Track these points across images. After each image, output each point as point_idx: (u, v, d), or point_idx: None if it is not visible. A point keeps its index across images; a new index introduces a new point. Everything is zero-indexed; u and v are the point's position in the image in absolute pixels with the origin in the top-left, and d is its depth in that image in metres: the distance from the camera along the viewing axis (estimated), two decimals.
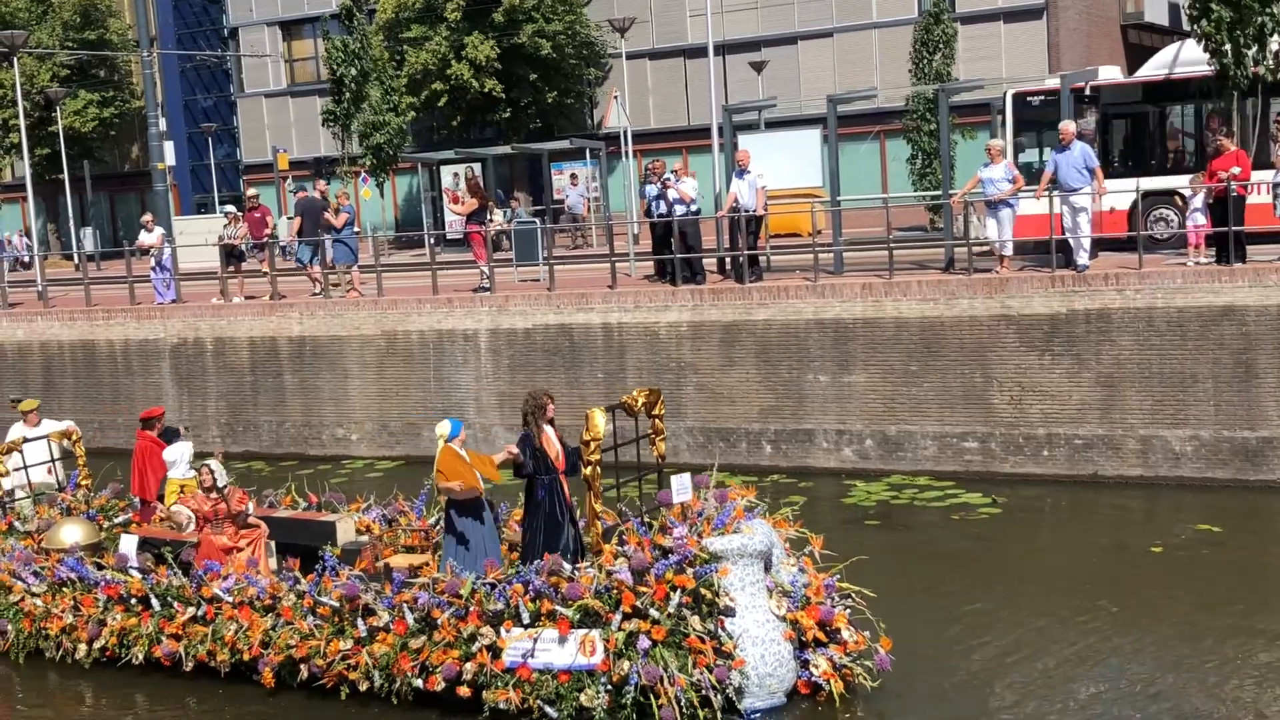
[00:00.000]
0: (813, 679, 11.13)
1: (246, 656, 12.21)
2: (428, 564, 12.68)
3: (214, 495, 13.39)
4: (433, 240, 27.62)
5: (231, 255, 26.24)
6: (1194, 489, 17.63)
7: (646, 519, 11.87)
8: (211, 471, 13.44)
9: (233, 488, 13.57)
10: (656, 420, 12.42)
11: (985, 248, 20.60)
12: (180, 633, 12.60)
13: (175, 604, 12.71)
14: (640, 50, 43.58)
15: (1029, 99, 25.38)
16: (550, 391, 12.79)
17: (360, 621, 11.70)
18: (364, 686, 11.58)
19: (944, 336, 19.28)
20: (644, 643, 10.65)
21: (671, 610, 10.73)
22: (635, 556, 10.98)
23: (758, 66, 41.52)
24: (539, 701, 10.90)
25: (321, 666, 11.78)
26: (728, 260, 22.25)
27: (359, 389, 23.41)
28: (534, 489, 12.09)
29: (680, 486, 11.63)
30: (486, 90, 41.31)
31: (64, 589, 13.45)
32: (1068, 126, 19.63)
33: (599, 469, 11.60)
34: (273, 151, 49.83)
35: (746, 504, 11.67)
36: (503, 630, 11.13)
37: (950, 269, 20.57)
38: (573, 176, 36.30)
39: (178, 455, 15.13)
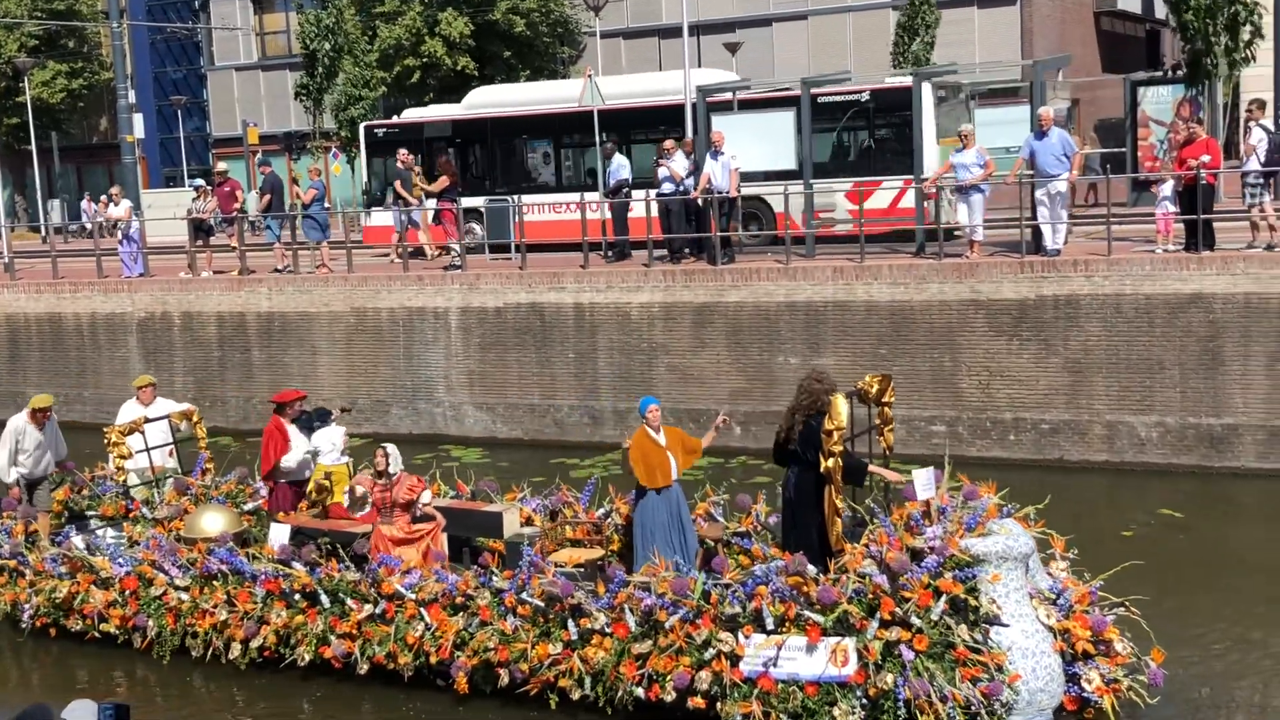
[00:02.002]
0: (1082, 695, 10.14)
1: (434, 660, 11.26)
2: (601, 559, 11.99)
3: (380, 482, 12.30)
4: (403, 217, 27.45)
5: (200, 229, 26.08)
6: (1159, 475, 17.77)
7: (877, 516, 11.03)
8: (387, 455, 12.29)
9: (404, 474, 12.38)
10: (885, 408, 11.67)
11: (957, 232, 20.66)
12: (354, 632, 11.60)
13: (349, 600, 11.70)
14: (614, 29, 43.46)
15: (376, 130, 30.31)
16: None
17: (571, 623, 10.77)
18: (576, 695, 10.60)
19: (913, 320, 19.35)
20: (907, 654, 9.68)
21: (935, 618, 9.78)
22: (897, 559, 9.99)
23: (732, 47, 41.45)
24: (782, 715, 9.90)
25: (525, 672, 10.83)
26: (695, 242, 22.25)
27: (328, 366, 23.32)
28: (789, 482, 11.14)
29: (924, 481, 10.74)
30: (460, 68, 41.12)
31: (213, 582, 12.42)
32: (1047, 112, 19.72)
33: (841, 461, 10.67)
34: (243, 125, 49.52)
35: (997, 502, 10.80)
36: (740, 636, 10.16)
37: (921, 253, 20.64)
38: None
39: (327, 441, 13.67)
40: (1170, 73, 27.00)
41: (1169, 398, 18.03)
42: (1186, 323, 17.89)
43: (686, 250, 22.23)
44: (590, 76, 32.55)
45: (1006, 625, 9.89)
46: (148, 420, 14.85)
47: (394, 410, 22.23)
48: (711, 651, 10.14)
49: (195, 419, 15.36)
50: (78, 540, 13.44)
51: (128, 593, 12.72)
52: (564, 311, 21.55)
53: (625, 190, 23.66)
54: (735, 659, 10.06)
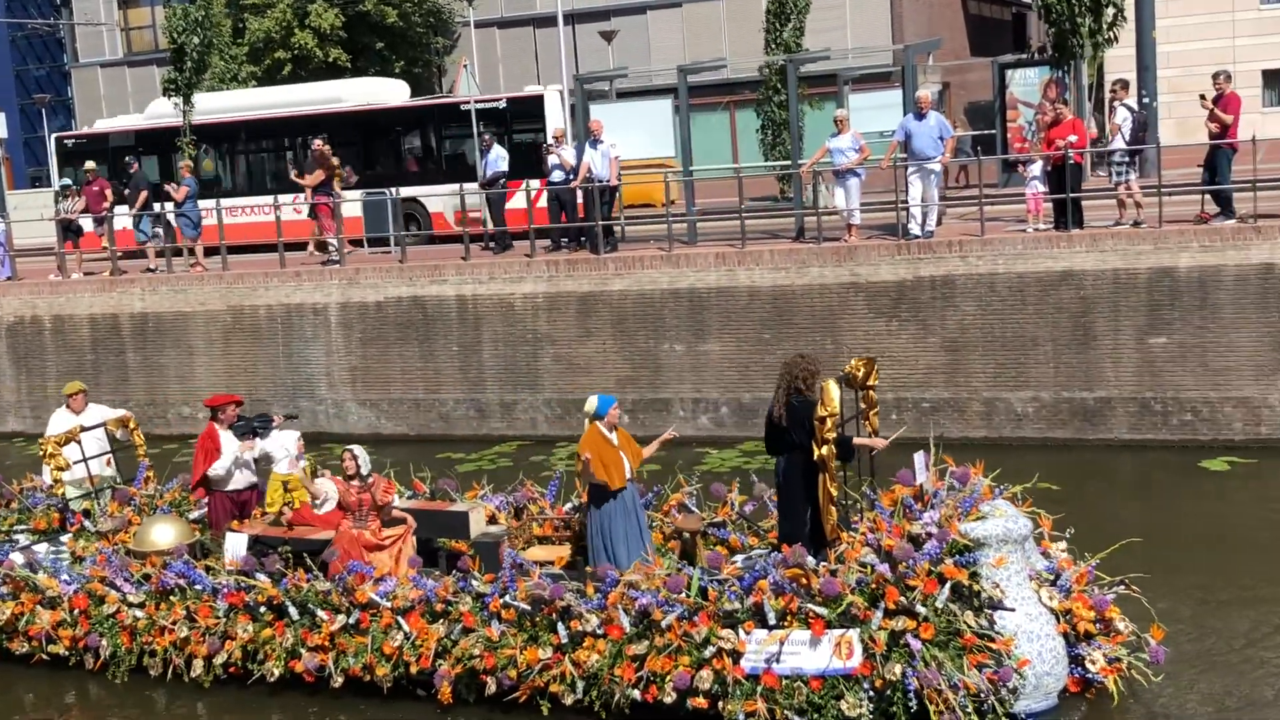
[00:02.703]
0: (1086, 675, 10.11)
1: (414, 669, 10.87)
2: (564, 558, 11.76)
3: (356, 484, 11.81)
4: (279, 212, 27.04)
5: (69, 230, 25.42)
6: (1036, 449, 18.17)
7: (870, 500, 10.93)
8: (355, 457, 11.90)
9: (378, 476, 12.04)
10: (870, 392, 11.42)
11: (834, 216, 20.91)
12: (327, 644, 11.17)
13: (319, 612, 11.26)
14: (489, 19, 43.20)
15: (66, 142, 32.47)
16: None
17: (561, 626, 10.44)
18: (569, 700, 10.30)
19: (795, 304, 19.56)
20: (914, 643, 9.50)
21: (940, 605, 9.59)
22: (900, 546, 9.81)
23: (607, 36, 41.45)
24: (788, 712, 9.67)
25: (513, 678, 10.48)
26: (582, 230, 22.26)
27: (205, 366, 22.91)
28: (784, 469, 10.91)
29: (920, 465, 10.60)
30: (331, 60, 40.57)
31: (170, 598, 11.88)
32: (925, 95, 20.05)
33: (834, 448, 10.39)
34: None
35: (989, 483, 10.65)
36: (741, 632, 9.92)
37: (800, 238, 20.85)
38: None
39: (279, 448, 13.16)
40: (1036, 55, 27.56)
41: (1043, 373, 18.45)
42: (1058, 299, 18.32)
43: (565, 240, 22.28)
44: (465, 66, 32.36)
45: (1012, 609, 9.73)
46: (84, 429, 14.22)
47: (275, 409, 21.86)
48: (711, 649, 9.89)
49: (132, 425, 14.76)
50: (17, 558, 12.80)
51: (77, 612, 12.13)
52: (446, 304, 21.40)
53: (502, 182, 23.58)
54: (736, 656, 9.83)
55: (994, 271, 18.61)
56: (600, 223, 21.17)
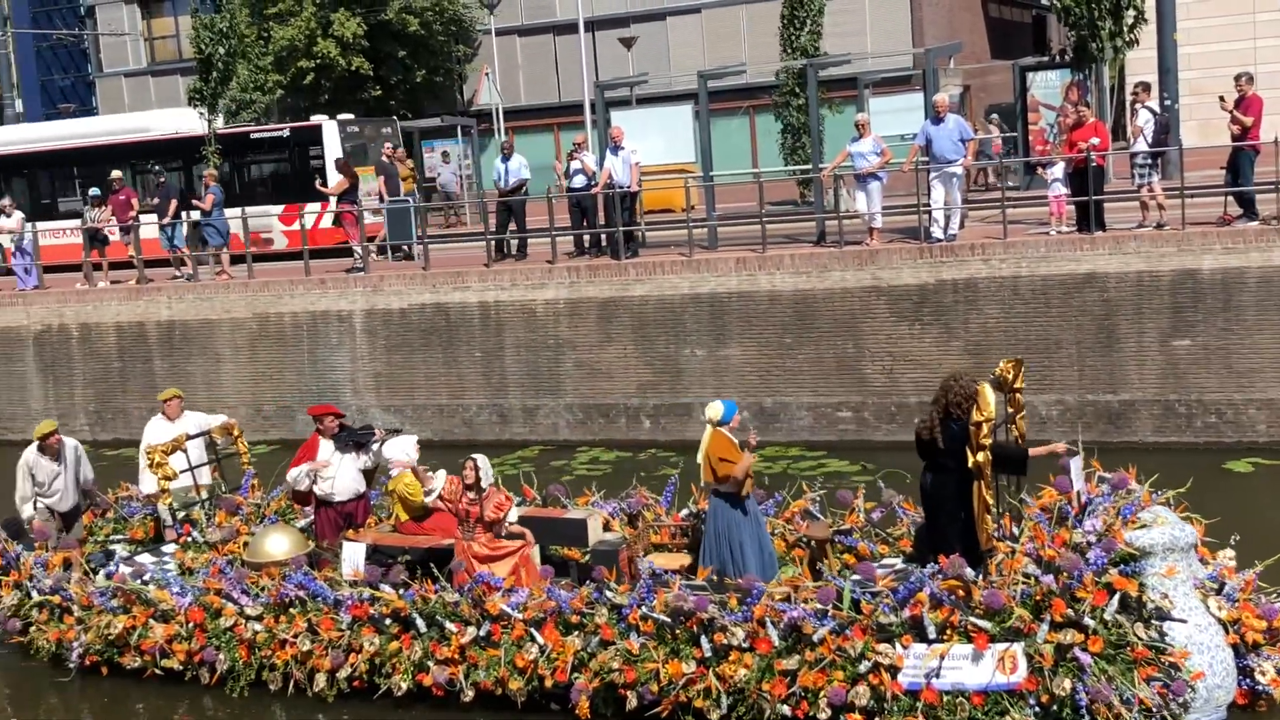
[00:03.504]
0: (1255, 687, 9.80)
1: (549, 683, 10.56)
2: (685, 566, 11.46)
3: (469, 494, 11.52)
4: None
5: (95, 239, 25.63)
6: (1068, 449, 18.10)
7: (1018, 509, 10.60)
8: (477, 467, 11.52)
9: (493, 490, 11.64)
10: (1017, 395, 11.03)
11: (855, 220, 20.93)
12: (456, 657, 10.88)
13: (448, 624, 10.92)
14: (509, 26, 43.30)
15: None
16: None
17: (704, 639, 10.08)
18: (714, 715, 9.98)
19: (817, 309, 19.58)
20: (1084, 657, 9.18)
21: (1108, 618, 9.27)
22: (1068, 557, 9.47)
23: (627, 43, 41.53)
24: None
25: (654, 693, 10.13)
26: (604, 236, 22.34)
27: (231, 373, 23.06)
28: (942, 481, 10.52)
29: (1075, 471, 10.29)
30: (354, 68, 40.75)
31: (289, 610, 11.57)
32: (942, 99, 20.07)
33: (990, 455, 9.95)
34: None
35: (1148, 489, 10.38)
36: (898, 646, 9.59)
37: (821, 242, 20.88)
38: (444, 154, 35.98)
39: (400, 453, 12.94)
40: (1057, 57, 27.52)
41: (1067, 376, 18.44)
42: (1082, 302, 18.30)
43: (587, 245, 22.39)
44: (487, 74, 32.48)
45: (1183, 620, 9.39)
46: (189, 436, 13.93)
47: (300, 416, 21.99)
48: (867, 664, 9.58)
49: (236, 433, 14.51)
50: (126, 570, 12.61)
51: (192, 625, 11.86)
52: (469, 311, 21.50)
53: (525, 190, 23.68)
54: (894, 671, 9.51)
55: (1017, 274, 18.60)
56: (621, 228, 21.24)
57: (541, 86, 44.47)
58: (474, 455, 11.74)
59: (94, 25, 54.23)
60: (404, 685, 10.97)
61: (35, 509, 13.69)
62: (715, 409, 11.22)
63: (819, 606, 9.86)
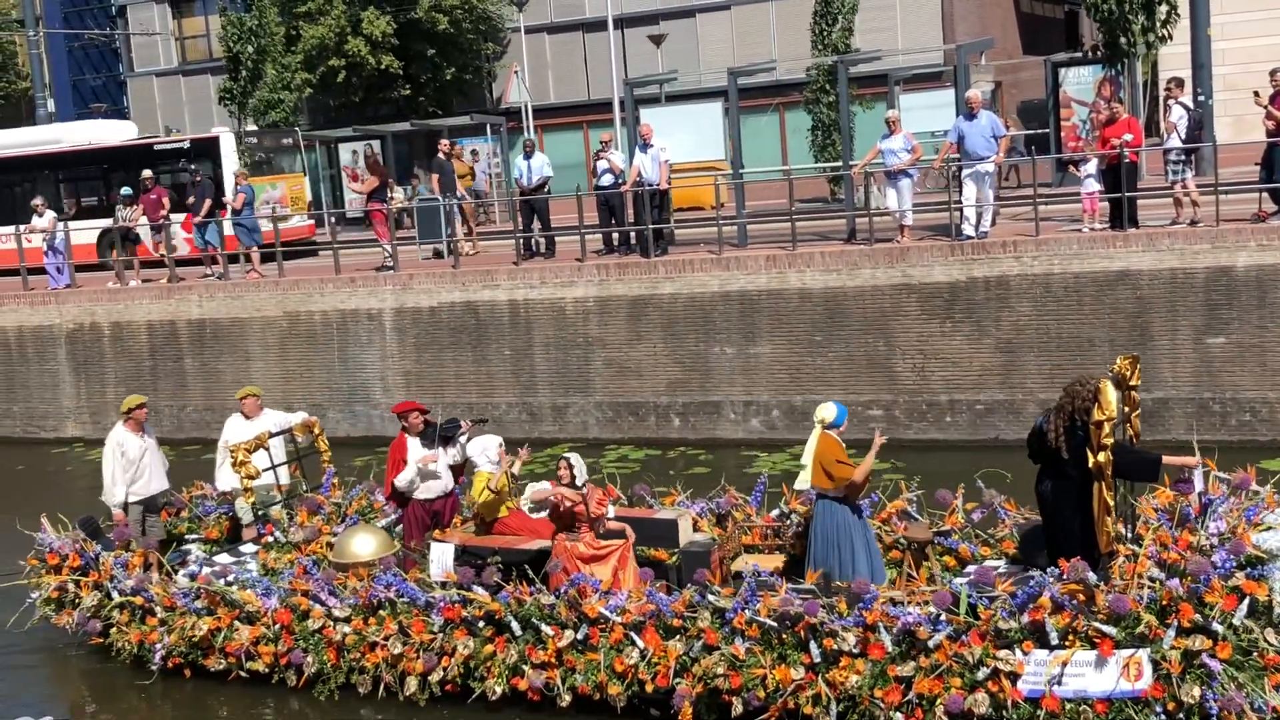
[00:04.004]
0: None
1: (650, 688, 10.31)
2: (778, 568, 11.27)
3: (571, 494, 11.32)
4: (333, 219, 27.32)
5: (127, 238, 25.76)
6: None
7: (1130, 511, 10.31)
8: (571, 466, 11.38)
9: (592, 486, 11.50)
10: (1133, 393, 10.67)
11: (886, 217, 20.84)
12: (553, 660, 10.68)
13: (544, 627, 10.72)
14: (538, 24, 43.34)
15: None
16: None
17: (813, 644, 9.85)
18: None
19: (847, 306, 19.50)
20: (1213, 664, 8.92)
21: (1237, 623, 8.99)
22: (1196, 561, 9.21)
23: (656, 40, 41.50)
24: None
25: (762, 699, 9.87)
26: (633, 234, 22.32)
27: (262, 371, 23.13)
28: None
29: (1197, 472, 10.12)
30: (384, 67, 40.86)
31: (379, 612, 11.40)
32: (975, 95, 19.95)
33: (1111, 455, 9.65)
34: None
35: (1271, 490, 10.13)
36: (1019, 652, 9.32)
37: (852, 239, 20.79)
38: (473, 153, 36.03)
39: (479, 453, 12.69)
40: (1090, 53, 27.33)
41: (1100, 374, 18.24)
42: (1115, 300, 18.16)
43: (616, 243, 22.39)
44: (517, 72, 32.48)
45: None
46: (272, 435, 13.79)
47: (331, 414, 22.08)
48: (986, 671, 9.30)
49: (317, 430, 14.27)
50: (209, 570, 12.49)
51: (279, 627, 11.68)
52: (499, 309, 21.51)
53: (548, 188, 23.67)
54: (1014, 678, 9.25)
55: (1049, 272, 18.47)
56: (651, 226, 21.21)
57: (571, 84, 44.49)
58: (567, 454, 11.59)
59: (125, 25, 54.54)
60: (498, 689, 10.78)
61: (128, 495, 13.47)
62: (827, 411, 10.98)
63: (933, 611, 9.61)
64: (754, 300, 20.04)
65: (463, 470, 13.13)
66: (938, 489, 12.10)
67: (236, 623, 11.88)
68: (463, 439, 12.82)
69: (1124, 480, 10.39)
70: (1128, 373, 10.40)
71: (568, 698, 10.57)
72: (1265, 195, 18.62)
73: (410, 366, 22.13)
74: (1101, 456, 9.60)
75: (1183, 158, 18.85)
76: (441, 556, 11.62)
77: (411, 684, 11.09)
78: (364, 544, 12.05)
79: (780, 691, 9.80)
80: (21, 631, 13.39)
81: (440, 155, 25.43)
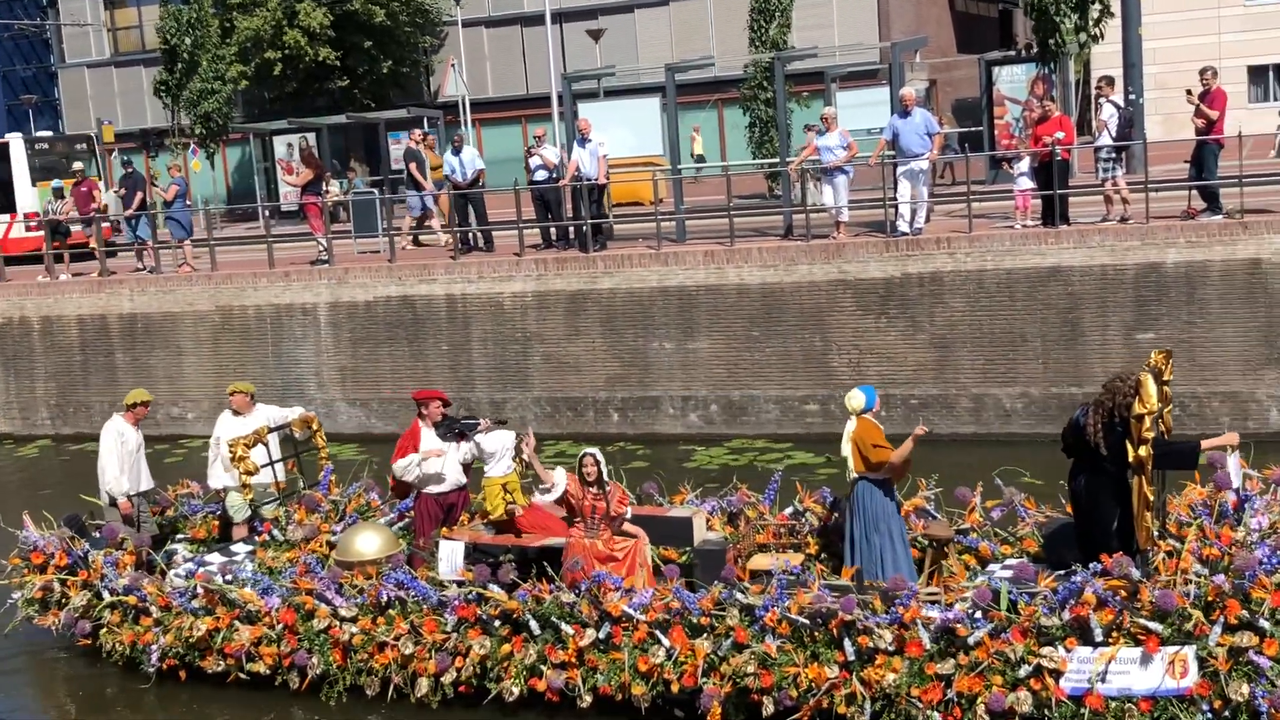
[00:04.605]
0: None
1: (675, 688, 10.05)
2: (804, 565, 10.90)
3: (592, 490, 11.05)
4: (267, 212, 27.07)
5: (57, 231, 25.39)
6: (1025, 444, 18.21)
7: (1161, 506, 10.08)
8: (597, 461, 11.09)
9: (615, 485, 11.25)
10: (1165, 388, 10.42)
11: (823, 214, 20.95)
12: (573, 660, 10.39)
13: (564, 626, 10.43)
14: (476, 18, 43.18)
15: None
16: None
17: (847, 641, 9.62)
18: None
19: (784, 302, 19.59)
20: (1262, 661, 8.76)
21: None
22: (1244, 557, 9.06)
23: (595, 35, 41.49)
24: None
25: (794, 698, 9.64)
26: (571, 229, 22.29)
27: (194, 366, 22.89)
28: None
29: (1234, 467, 9.98)
30: (321, 59, 40.54)
31: (389, 611, 11.05)
32: (909, 93, 20.10)
33: (1152, 449, 9.44)
34: (97, 124, 48.21)
35: None
36: (1062, 649, 9.16)
37: (789, 235, 20.89)
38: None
39: (499, 448, 12.19)
40: (1023, 52, 27.63)
41: (1032, 369, 18.51)
42: (1046, 296, 18.37)
43: (554, 238, 22.37)
44: (453, 66, 32.32)
45: None
46: (271, 429, 13.37)
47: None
48: (1028, 668, 9.13)
49: (315, 426, 13.91)
50: (209, 569, 12.08)
51: (282, 627, 11.29)
52: (435, 303, 21.41)
53: (481, 181, 23.58)
54: (1057, 675, 9.09)
55: (982, 268, 18.66)
56: (589, 221, 21.20)
57: (509, 78, 44.38)
58: (590, 450, 11.32)
59: (56, 15, 53.73)
60: (515, 690, 10.47)
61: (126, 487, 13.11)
62: (856, 398, 10.87)
63: (970, 607, 9.43)
64: (692, 295, 20.09)
65: (471, 468, 12.81)
66: (956, 487, 11.97)
67: (236, 623, 11.50)
68: (478, 437, 12.41)
69: (1159, 473, 10.27)
70: (1162, 366, 10.26)
71: (588, 698, 10.31)
72: (1194, 193, 18.90)
73: (346, 361, 21.98)
74: (1143, 451, 9.46)
75: (1113, 155, 19.09)
76: (451, 555, 11.36)
77: (423, 685, 10.79)
78: (369, 542, 11.68)
79: (814, 690, 9.58)
80: (2, 634, 12.92)
81: (411, 145, 25.05)
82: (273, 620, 11.35)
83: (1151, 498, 9.60)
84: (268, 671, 11.36)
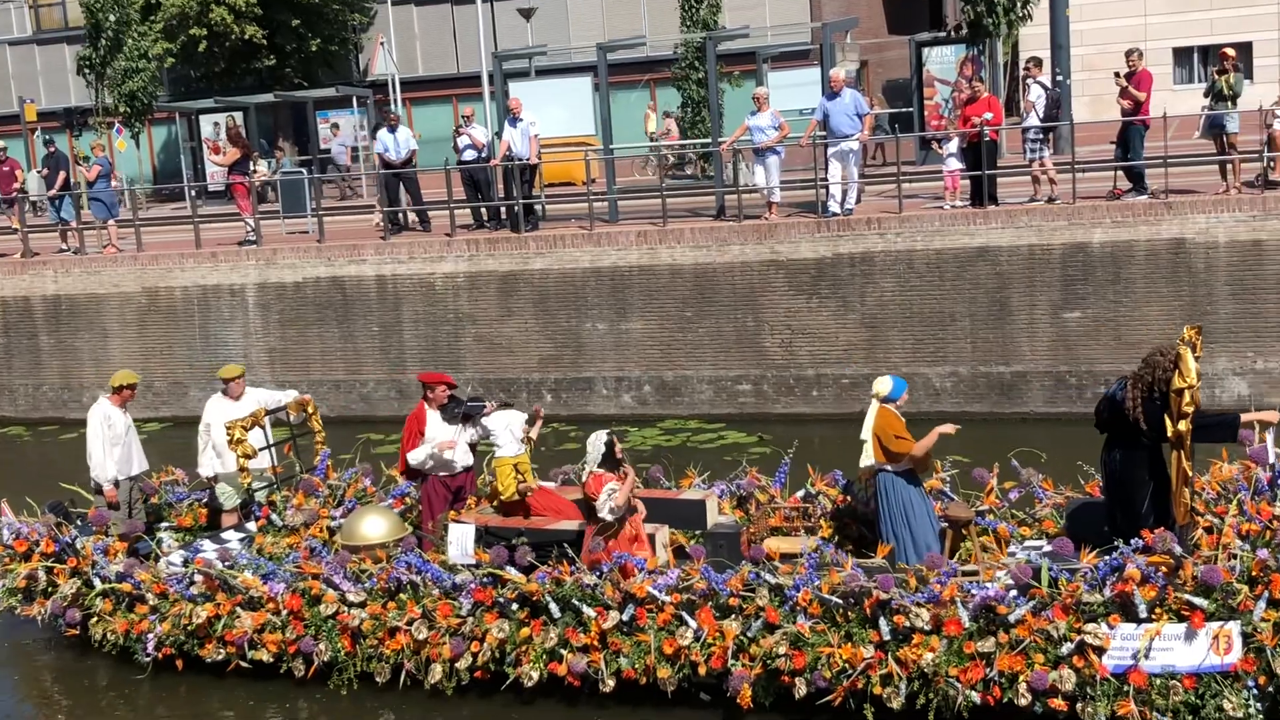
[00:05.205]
0: None
1: (703, 671, 9.85)
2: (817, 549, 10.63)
3: (618, 473, 10.72)
4: (193, 192, 26.73)
5: None
6: (954, 422, 18.35)
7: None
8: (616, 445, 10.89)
9: (628, 466, 10.92)
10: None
11: (755, 194, 20.99)
12: (595, 644, 10.14)
13: (585, 608, 10.15)
14: None
15: None
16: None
17: (883, 621, 9.44)
18: (895, 703, 9.33)
19: (717, 282, 19.63)
20: None
21: None
22: None
23: (526, 14, 41.22)
24: (1155, 714, 8.91)
25: (827, 679, 9.46)
26: (503, 209, 22.17)
27: (120, 349, 22.55)
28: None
29: (1270, 442, 9.91)
30: (248, 36, 40.00)
31: (399, 596, 10.75)
32: (837, 74, 20.16)
33: (1191, 424, 9.27)
34: (19, 102, 47.29)
35: None
36: (1105, 626, 9.03)
37: (721, 216, 20.92)
38: (334, 126, 35.41)
39: (503, 429, 11.84)
40: (952, 33, 27.81)
41: (960, 348, 18.68)
42: (975, 275, 18.54)
43: (485, 219, 22.24)
44: (382, 44, 31.99)
45: None
46: (268, 412, 12.97)
47: (192, 392, 21.62)
48: (1070, 646, 9.02)
49: (311, 409, 13.47)
50: (208, 555, 11.67)
51: (287, 614, 10.97)
52: (366, 284, 21.24)
53: (414, 162, 23.39)
54: (1100, 652, 8.99)
55: (912, 248, 18.79)
56: (521, 201, 21.10)
57: (439, 57, 43.99)
58: (611, 433, 11.09)
59: None
60: (534, 675, 10.21)
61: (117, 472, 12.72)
62: (883, 384, 10.74)
63: (1009, 584, 9.30)
64: (625, 276, 20.07)
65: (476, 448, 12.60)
66: (974, 468, 11.90)
67: (238, 609, 11.13)
68: (485, 420, 12.17)
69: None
70: (1195, 342, 10.06)
71: (611, 683, 10.06)
72: (1120, 173, 19.15)
73: (275, 343, 21.75)
74: (1182, 425, 9.29)
75: (1041, 136, 19.29)
76: (462, 538, 11.10)
77: (437, 671, 10.51)
78: (376, 525, 11.46)
79: (848, 671, 9.40)
80: None
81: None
82: (277, 606, 11.03)
83: (1190, 473, 9.47)
84: (271, 659, 11.06)
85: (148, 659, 11.42)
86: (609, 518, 10.64)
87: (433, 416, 12.14)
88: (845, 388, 19.09)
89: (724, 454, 17.79)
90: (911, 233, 18.81)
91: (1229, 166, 18.55)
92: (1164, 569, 9.05)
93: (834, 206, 19.62)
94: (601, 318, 20.18)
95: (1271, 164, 18.70)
